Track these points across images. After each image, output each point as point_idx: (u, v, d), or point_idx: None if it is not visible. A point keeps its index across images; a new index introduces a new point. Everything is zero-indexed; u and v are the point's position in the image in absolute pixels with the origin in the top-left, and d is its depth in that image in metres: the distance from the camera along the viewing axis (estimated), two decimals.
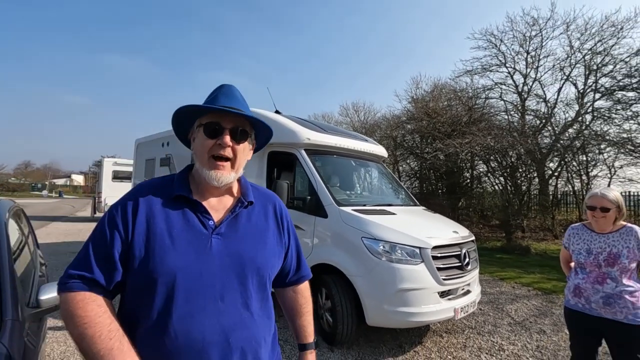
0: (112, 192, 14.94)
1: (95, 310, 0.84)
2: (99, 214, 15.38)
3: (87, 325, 0.81)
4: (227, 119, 0.97)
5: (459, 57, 33.25)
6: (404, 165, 15.59)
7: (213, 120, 0.97)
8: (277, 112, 4.86)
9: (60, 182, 69.51)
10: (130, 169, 11.75)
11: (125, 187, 14.43)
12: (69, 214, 19.18)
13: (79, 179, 70.41)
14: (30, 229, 3.06)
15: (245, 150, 1.02)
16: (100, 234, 0.92)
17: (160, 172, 7.05)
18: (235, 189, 1.06)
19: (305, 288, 1.23)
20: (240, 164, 1.01)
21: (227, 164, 0.97)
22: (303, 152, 4.13)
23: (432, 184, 14.60)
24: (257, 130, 1.07)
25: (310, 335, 1.19)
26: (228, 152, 0.97)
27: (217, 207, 1.00)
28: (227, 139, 0.96)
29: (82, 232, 11.63)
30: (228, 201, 1.03)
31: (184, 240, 0.91)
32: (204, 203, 0.98)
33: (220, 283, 0.91)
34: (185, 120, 1.04)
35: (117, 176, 15.46)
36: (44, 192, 48.63)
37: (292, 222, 1.18)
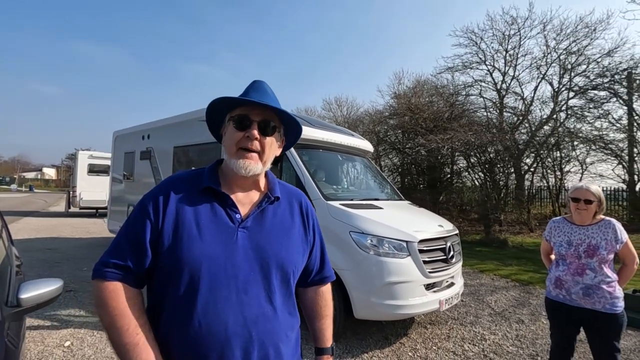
0: (88, 187, 14.43)
1: (126, 302, 0.88)
2: (74, 209, 14.84)
3: (117, 317, 0.86)
4: (256, 112, 0.98)
5: (441, 54, 33.80)
6: (386, 160, 15.77)
7: (242, 113, 0.98)
8: None
9: (30, 175, 66.51)
10: (108, 162, 11.36)
11: (103, 181, 13.96)
12: (41, 209, 18.39)
13: (50, 173, 67.58)
14: (3, 224, 2.91)
15: (273, 145, 1.02)
16: (133, 223, 0.95)
17: (141, 166, 6.85)
18: (262, 183, 1.06)
19: (327, 290, 1.21)
20: (269, 157, 1.01)
21: (255, 155, 0.98)
22: None
23: (414, 179, 14.85)
24: (286, 127, 1.07)
25: (328, 340, 1.17)
26: (255, 145, 0.97)
27: (244, 201, 1.01)
28: (255, 131, 0.97)
29: (57, 227, 11.20)
30: (255, 196, 1.04)
31: (211, 231, 0.93)
32: (233, 196, 1.00)
33: (245, 276, 0.92)
34: (216, 116, 1.05)
35: (93, 170, 14.92)
36: (13, 186, 46.39)
37: (317, 221, 1.17)
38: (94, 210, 15.07)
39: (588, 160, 10.73)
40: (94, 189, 14.35)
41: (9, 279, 2.06)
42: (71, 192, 15.09)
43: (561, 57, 10.91)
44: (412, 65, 54.42)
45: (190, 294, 0.88)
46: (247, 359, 0.89)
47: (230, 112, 1.01)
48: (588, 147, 10.33)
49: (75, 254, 7.14)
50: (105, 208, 10.04)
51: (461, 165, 13.28)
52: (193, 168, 1.10)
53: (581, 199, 2.21)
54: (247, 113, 0.98)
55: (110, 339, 0.86)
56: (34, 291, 1.66)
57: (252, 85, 1.04)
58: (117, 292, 0.88)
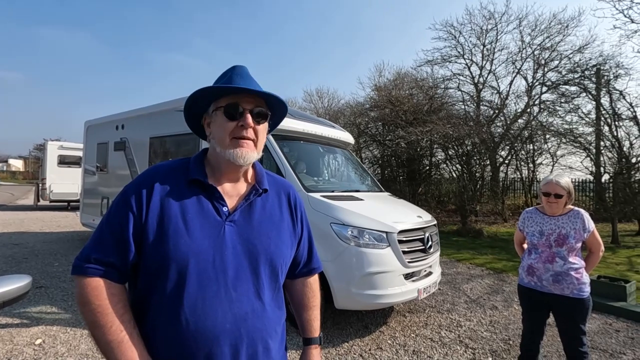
0: (59, 179, 13.82)
1: (110, 299, 0.85)
2: (43, 202, 14.20)
3: (100, 315, 0.83)
4: (246, 99, 0.95)
5: (421, 46, 34.11)
6: (367, 153, 15.89)
7: (232, 102, 0.94)
8: None
9: None
10: (79, 153, 10.91)
11: (74, 172, 13.41)
12: (8, 202, 17.50)
13: (17, 164, 64.30)
14: None
15: (264, 131, 1.00)
16: (115, 216, 0.90)
17: (114, 157, 6.62)
18: (250, 175, 1.04)
19: (314, 281, 1.20)
20: (261, 144, 0.99)
21: (251, 143, 0.95)
22: (271, 137, 4.04)
23: (394, 171, 15.05)
24: (272, 110, 1.04)
25: (316, 330, 1.15)
26: (250, 134, 0.95)
27: (232, 193, 0.98)
28: (250, 120, 0.94)
29: (25, 221, 10.69)
30: (242, 187, 1.01)
31: (197, 226, 0.90)
32: (220, 188, 0.96)
33: (233, 271, 0.90)
34: (195, 105, 1.00)
35: (64, 161, 14.28)
36: None
37: (305, 213, 1.15)
38: (66, 204, 14.48)
39: (559, 152, 11.20)
40: (65, 181, 13.76)
41: None
42: (40, 185, 14.41)
43: (535, 52, 11.25)
44: (393, 58, 54.70)
45: (177, 291, 0.86)
46: (236, 356, 0.88)
47: (216, 101, 0.96)
48: (559, 140, 10.74)
49: (44, 249, 6.85)
50: (78, 201, 9.64)
51: (439, 157, 13.57)
52: (170, 159, 1.06)
53: (551, 193, 2.30)
54: (237, 102, 0.94)
55: (94, 337, 0.84)
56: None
57: (234, 71, 0.99)
58: (100, 289, 0.85)
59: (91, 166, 7.38)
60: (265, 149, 4.04)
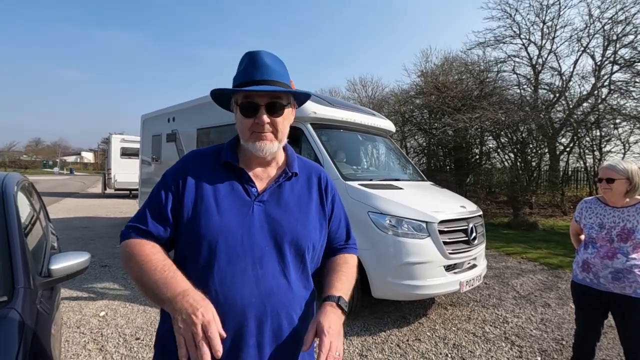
0: (121, 169, 15.08)
1: (150, 249, 0.93)
2: (109, 191, 15.62)
3: (143, 262, 0.89)
4: (260, 93, 0.95)
5: (472, 28, 31.97)
6: (411, 142, 15.41)
7: (246, 100, 0.96)
8: None
9: (70, 159, 70.47)
10: (138, 145, 11.80)
11: (134, 163, 14.56)
12: (79, 191, 19.53)
13: (89, 156, 71.27)
14: (41, 204, 3.10)
15: (286, 119, 1.01)
16: (155, 194, 0.99)
17: (167, 148, 7.06)
18: (281, 159, 1.07)
19: (350, 256, 1.14)
20: (284, 132, 1.00)
21: (270, 135, 0.97)
22: (309, 126, 4.06)
23: (440, 160, 14.45)
24: (293, 95, 1.04)
25: (337, 290, 0.99)
26: (267, 129, 0.96)
27: (262, 176, 1.03)
28: (264, 117, 0.95)
29: (92, 207, 11.88)
30: (273, 171, 1.05)
31: (228, 205, 0.95)
32: (249, 172, 1.01)
33: (260, 249, 0.94)
34: (222, 98, 1.05)
35: (125, 153, 15.54)
36: (56, 169, 49.44)
37: (338, 195, 1.16)
38: (128, 192, 15.81)
39: (632, 139, 10.01)
40: (127, 171, 14.99)
41: (44, 253, 2.21)
42: (106, 175, 15.87)
43: (606, 27, 10.04)
44: (441, 42, 51.93)
45: (208, 265, 0.91)
46: (261, 329, 0.91)
47: (234, 96, 0.99)
48: (632, 125, 9.60)
49: (108, 232, 7.57)
50: (138, 189, 10.51)
51: (490, 145, 12.76)
52: None
53: (603, 178, 2.08)
54: (251, 99, 0.95)
55: (142, 285, 0.88)
56: (63, 263, 1.77)
57: (250, 62, 0.98)
58: (141, 243, 0.94)
59: (147, 157, 7.96)
60: (304, 138, 4.07)
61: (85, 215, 10.08)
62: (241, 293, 0.90)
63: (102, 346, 2.93)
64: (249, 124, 0.96)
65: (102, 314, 3.53)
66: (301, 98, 1.08)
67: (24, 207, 2.21)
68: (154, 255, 0.91)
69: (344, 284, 1.04)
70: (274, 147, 0.98)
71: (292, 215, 0.99)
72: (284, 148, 1.08)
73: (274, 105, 0.96)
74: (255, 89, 0.94)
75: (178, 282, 0.85)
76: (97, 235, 7.33)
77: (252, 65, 0.97)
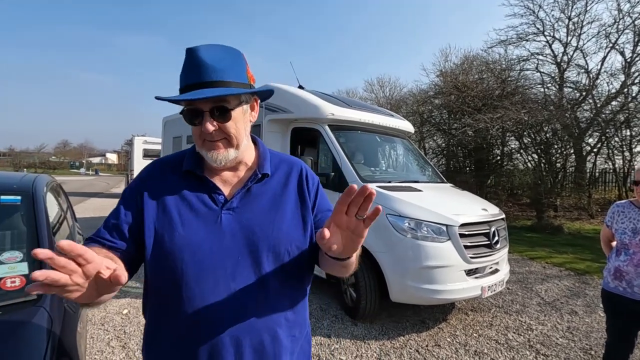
0: None
1: (95, 249, 0.82)
2: None
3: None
4: (201, 100, 0.84)
5: (492, 26, 31.23)
6: (430, 142, 15.16)
7: (188, 107, 0.87)
8: (300, 87, 4.78)
9: (95, 160, 73.02)
10: (159, 147, 12.09)
11: None
12: (104, 191, 20.20)
13: (113, 158, 73.63)
14: (68, 204, 3.21)
15: (238, 122, 0.89)
16: (115, 209, 0.93)
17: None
18: (250, 159, 0.98)
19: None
20: (240, 136, 0.90)
21: (221, 142, 0.88)
22: (327, 127, 4.06)
23: (459, 161, 14.15)
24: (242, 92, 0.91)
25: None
26: (216, 135, 0.87)
27: (231, 180, 0.95)
28: (208, 125, 0.85)
29: None
30: (242, 173, 0.96)
31: (192, 217, 0.88)
32: (216, 177, 0.94)
33: (232, 261, 0.86)
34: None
35: (147, 154, 15.95)
36: (82, 170, 51.35)
37: (321, 189, 1.04)
38: None
39: None
40: None
41: None
42: (129, 175, 16.34)
43: (636, 22, 9.60)
44: (461, 41, 50.87)
45: (176, 284, 0.85)
46: (239, 347, 0.85)
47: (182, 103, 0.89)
48: None
49: None
50: None
51: (512, 146, 12.40)
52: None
53: (639, 181, 1.97)
54: (192, 105, 0.85)
55: None
56: None
57: (188, 63, 0.86)
58: (90, 246, 0.84)
59: None
60: (322, 139, 4.06)
61: None
62: (212, 310, 0.83)
63: (125, 343, 3.00)
64: (198, 132, 0.88)
65: (124, 311, 3.63)
66: (263, 93, 0.97)
67: (52, 208, 2.29)
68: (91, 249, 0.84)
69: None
70: (229, 155, 0.89)
71: (265, 218, 0.91)
72: (255, 145, 1.01)
73: (219, 110, 0.85)
74: (186, 97, 0.82)
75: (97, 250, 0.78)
76: None
77: (190, 66, 0.85)
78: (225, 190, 0.93)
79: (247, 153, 0.97)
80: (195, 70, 0.84)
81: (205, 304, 0.84)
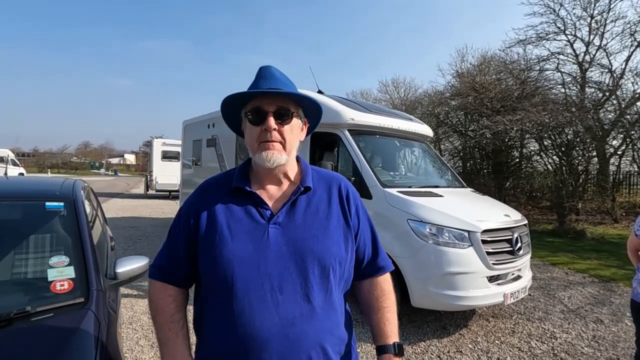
0: (162, 171, 15.86)
1: (166, 299, 1.00)
2: (151, 192, 16.47)
3: (156, 312, 1.00)
4: (268, 101, 0.94)
5: (511, 26, 30.60)
6: (446, 144, 14.98)
7: (255, 106, 0.95)
8: (319, 91, 4.84)
9: (114, 160, 74.90)
10: (178, 149, 12.35)
11: (174, 166, 15.26)
12: (124, 191, 20.72)
13: (130, 158, 75.38)
14: (98, 206, 3.35)
15: (294, 130, 0.98)
16: (172, 231, 1.04)
17: (207, 153, 7.36)
18: (293, 174, 1.02)
19: (384, 281, 1.08)
20: (292, 145, 0.97)
21: (277, 145, 0.94)
22: (347, 132, 4.10)
23: (477, 164, 13.94)
24: (304, 108, 1.03)
25: (389, 336, 1.00)
26: (275, 136, 0.93)
27: (277, 195, 1.00)
28: (271, 121, 0.93)
29: (137, 208, 12.57)
30: (287, 189, 1.01)
31: (241, 231, 0.93)
32: (263, 192, 0.99)
33: (278, 274, 0.90)
34: (232, 113, 1.04)
35: (166, 156, 16.32)
36: (102, 171, 52.81)
37: (362, 205, 1.08)
38: (168, 193, 16.59)
39: None
40: (167, 174, 15.74)
41: (107, 254, 2.40)
42: (148, 176, 16.74)
43: None
44: (478, 41, 49.87)
45: (226, 297, 0.89)
46: None
47: (244, 107, 0.99)
48: None
49: (153, 232, 8.00)
50: (177, 191, 11.01)
51: (532, 148, 12.14)
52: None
53: None
54: (259, 105, 0.94)
55: (155, 331, 1.01)
56: (128, 266, 1.93)
57: (259, 74, 0.99)
58: (159, 289, 1.01)
59: (188, 160, 8.33)
60: (341, 144, 4.11)
61: (131, 215, 10.69)
62: (260, 323, 0.86)
63: (153, 343, 3.11)
64: (258, 132, 0.94)
65: None
66: (311, 111, 1.05)
67: (88, 212, 2.41)
68: (166, 306, 0.99)
69: (392, 325, 1.02)
70: (282, 159, 0.94)
71: (310, 232, 0.94)
72: (298, 162, 1.05)
73: (282, 112, 0.95)
74: (264, 88, 0.94)
75: (175, 347, 0.96)
76: (144, 234, 7.77)
77: (263, 75, 0.98)
78: (272, 205, 0.98)
79: (292, 166, 1.03)
80: (268, 78, 0.97)
81: (253, 315, 0.87)
